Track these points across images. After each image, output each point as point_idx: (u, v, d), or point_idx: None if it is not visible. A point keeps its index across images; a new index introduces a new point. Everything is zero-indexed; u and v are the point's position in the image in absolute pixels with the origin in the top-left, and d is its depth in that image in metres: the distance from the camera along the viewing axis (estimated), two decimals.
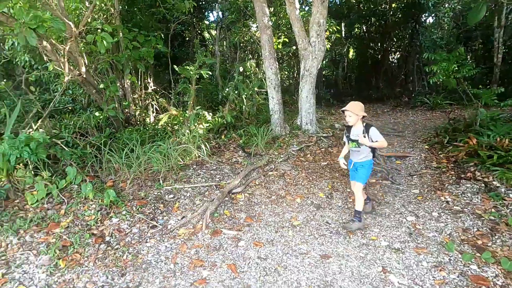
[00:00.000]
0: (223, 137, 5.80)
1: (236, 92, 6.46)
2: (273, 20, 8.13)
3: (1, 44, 6.72)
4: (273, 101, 5.93)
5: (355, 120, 2.92)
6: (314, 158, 5.00)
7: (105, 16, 6.03)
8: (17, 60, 6.62)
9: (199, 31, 11.38)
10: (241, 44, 10.08)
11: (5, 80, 6.70)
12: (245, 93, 6.40)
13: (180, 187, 3.89)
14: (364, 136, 2.87)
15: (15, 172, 3.68)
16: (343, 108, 2.96)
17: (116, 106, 5.56)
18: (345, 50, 13.95)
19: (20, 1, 4.19)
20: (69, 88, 6.90)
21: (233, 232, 3.05)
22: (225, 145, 5.49)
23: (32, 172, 3.77)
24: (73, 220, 3.20)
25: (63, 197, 3.56)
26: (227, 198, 3.69)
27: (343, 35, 12.74)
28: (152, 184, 4.00)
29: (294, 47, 8.70)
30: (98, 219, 3.20)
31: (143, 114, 6.49)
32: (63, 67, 4.41)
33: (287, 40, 8.23)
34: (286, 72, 13.65)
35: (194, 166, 4.52)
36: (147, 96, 6.79)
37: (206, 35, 12.33)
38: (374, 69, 13.52)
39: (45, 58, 4.77)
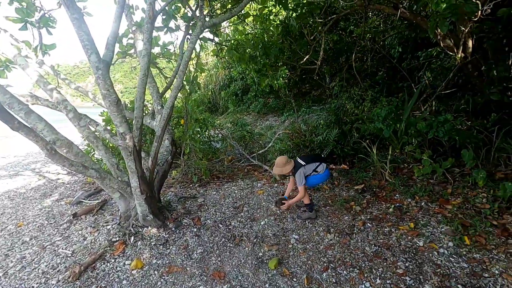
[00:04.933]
0: None
1: None
2: None
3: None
4: None
5: None
6: None
7: None
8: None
9: None
10: None
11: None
12: None
13: None
14: None
15: (406, 146, 4.43)
16: None
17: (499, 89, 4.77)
18: None
19: None
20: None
21: None
22: None
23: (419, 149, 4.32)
24: (463, 202, 3.26)
25: (448, 177, 3.74)
26: None
27: None
28: None
29: None
30: (495, 210, 2.99)
31: None
32: (455, 50, 4.45)
33: None
34: None
35: None
36: None
37: None
38: None
39: (441, 44, 4.88)
